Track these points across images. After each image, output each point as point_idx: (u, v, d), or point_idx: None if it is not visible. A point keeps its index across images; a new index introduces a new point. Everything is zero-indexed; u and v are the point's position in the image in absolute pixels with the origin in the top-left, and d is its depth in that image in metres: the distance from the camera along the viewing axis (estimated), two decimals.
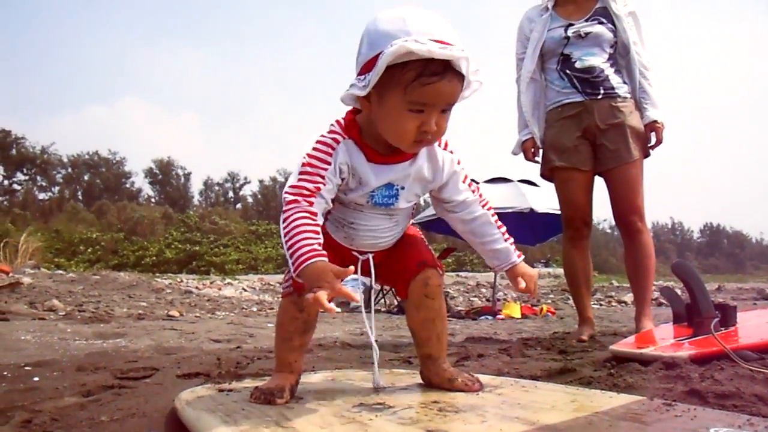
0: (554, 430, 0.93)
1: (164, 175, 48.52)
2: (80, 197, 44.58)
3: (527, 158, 2.98)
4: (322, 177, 1.18)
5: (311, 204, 1.15)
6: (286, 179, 1.23)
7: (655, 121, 2.75)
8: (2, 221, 22.10)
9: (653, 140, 2.78)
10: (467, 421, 1.02)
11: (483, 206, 1.35)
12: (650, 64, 2.80)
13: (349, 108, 1.24)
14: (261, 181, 49.27)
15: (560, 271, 11.05)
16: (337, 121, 1.24)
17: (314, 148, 1.20)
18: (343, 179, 1.22)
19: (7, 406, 1.40)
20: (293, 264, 1.10)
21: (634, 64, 2.77)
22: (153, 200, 47.32)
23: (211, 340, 3.36)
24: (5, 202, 38.82)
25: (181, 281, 11.32)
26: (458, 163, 1.31)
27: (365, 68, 1.12)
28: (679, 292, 2.75)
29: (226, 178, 51.86)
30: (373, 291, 1.32)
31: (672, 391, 1.33)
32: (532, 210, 6.91)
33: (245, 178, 51.59)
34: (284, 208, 1.16)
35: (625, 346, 1.95)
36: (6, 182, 42.12)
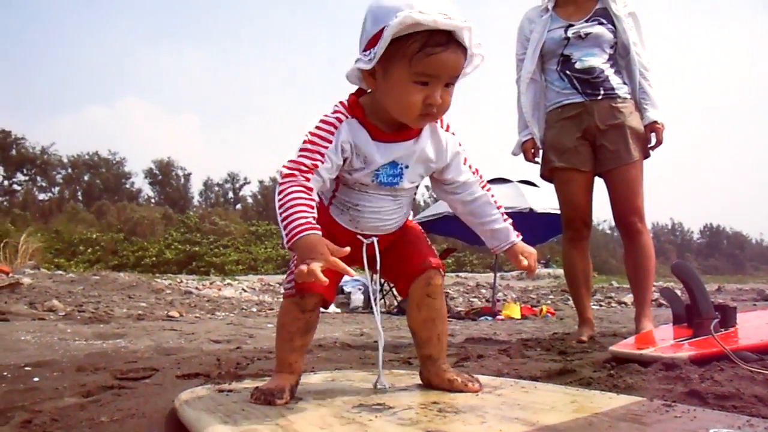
0: (554, 431, 0.93)
1: (164, 175, 48.45)
2: (80, 198, 44.56)
3: (527, 159, 2.99)
4: (322, 155, 1.18)
5: (308, 180, 1.16)
6: None
7: (655, 122, 2.75)
8: (2, 221, 22.07)
9: (653, 141, 2.78)
10: (467, 422, 1.02)
11: (482, 187, 1.37)
12: (650, 64, 2.81)
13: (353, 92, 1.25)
14: (261, 182, 49.16)
15: (560, 271, 11.04)
16: (341, 102, 1.26)
17: (317, 127, 1.22)
18: (345, 158, 1.22)
19: (7, 407, 1.40)
20: (286, 236, 1.10)
21: (634, 65, 2.77)
22: (153, 201, 47.29)
23: (211, 340, 3.36)
24: (5, 203, 38.82)
25: (181, 282, 11.33)
26: (459, 144, 1.33)
27: (370, 44, 1.13)
28: (679, 293, 2.75)
29: (226, 179, 51.82)
30: (377, 276, 1.33)
31: (672, 392, 1.33)
32: (531, 210, 6.90)
33: (245, 179, 51.53)
34: (280, 182, 1.16)
35: (625, 347, 1.95)
36: (6, 182, 42.18)
